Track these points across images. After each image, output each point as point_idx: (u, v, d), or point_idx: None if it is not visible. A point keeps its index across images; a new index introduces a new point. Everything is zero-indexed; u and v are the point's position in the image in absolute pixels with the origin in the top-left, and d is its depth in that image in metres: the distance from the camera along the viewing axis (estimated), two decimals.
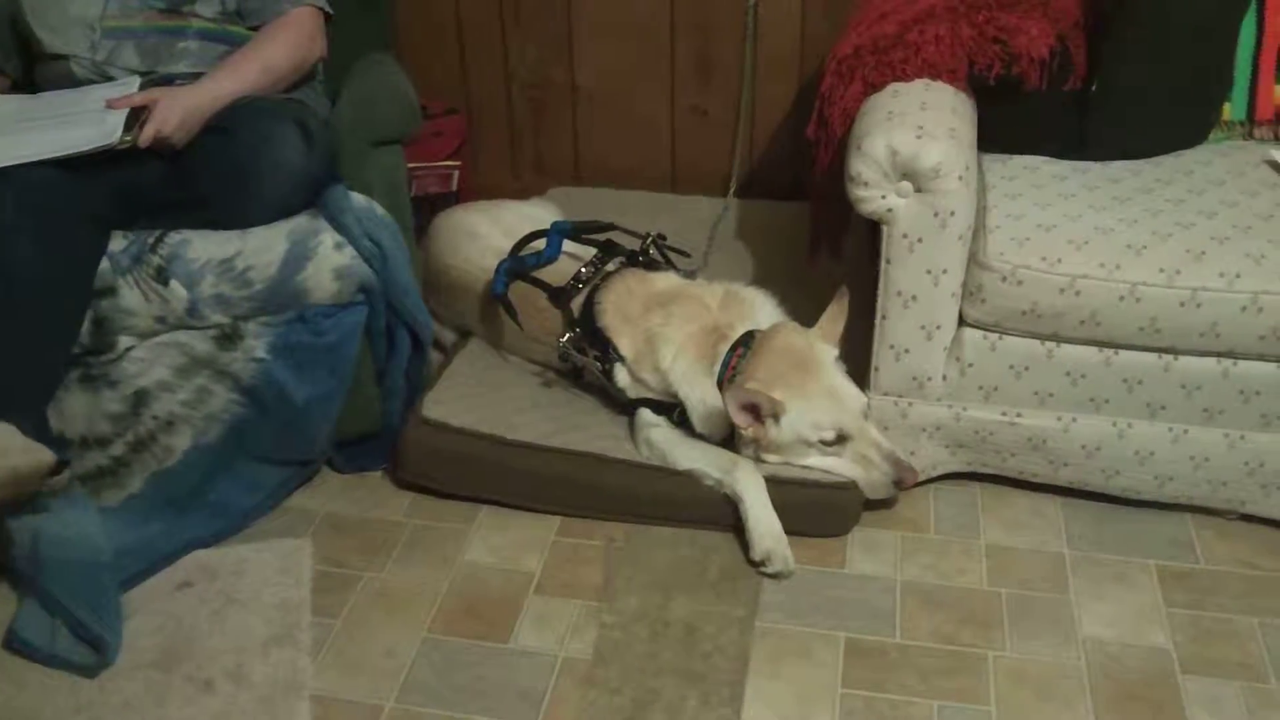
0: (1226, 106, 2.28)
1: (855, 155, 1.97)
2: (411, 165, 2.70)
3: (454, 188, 2.78)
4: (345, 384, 2.15)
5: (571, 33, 2.94)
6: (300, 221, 2.06)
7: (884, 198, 1.97)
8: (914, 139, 1.93)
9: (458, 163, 2.79)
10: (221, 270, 2.01)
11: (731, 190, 3.03)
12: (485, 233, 2.45)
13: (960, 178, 1.94)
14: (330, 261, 2.04)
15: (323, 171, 2.08)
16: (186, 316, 2.02)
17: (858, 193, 1.98)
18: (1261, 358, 1.97)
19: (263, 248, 2.03)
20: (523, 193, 2.86)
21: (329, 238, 2.05)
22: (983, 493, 2.24)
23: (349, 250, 2.05)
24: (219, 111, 2.03)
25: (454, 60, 3.03)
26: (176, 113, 1.97)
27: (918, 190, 1.95)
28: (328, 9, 2.26)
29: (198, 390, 2.05)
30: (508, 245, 2.38)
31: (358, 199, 2.11)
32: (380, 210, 2.13)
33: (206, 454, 2.09)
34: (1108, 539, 2.13)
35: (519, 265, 2.31)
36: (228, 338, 2.04)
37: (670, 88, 2.97)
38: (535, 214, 2.55)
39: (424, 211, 2.67)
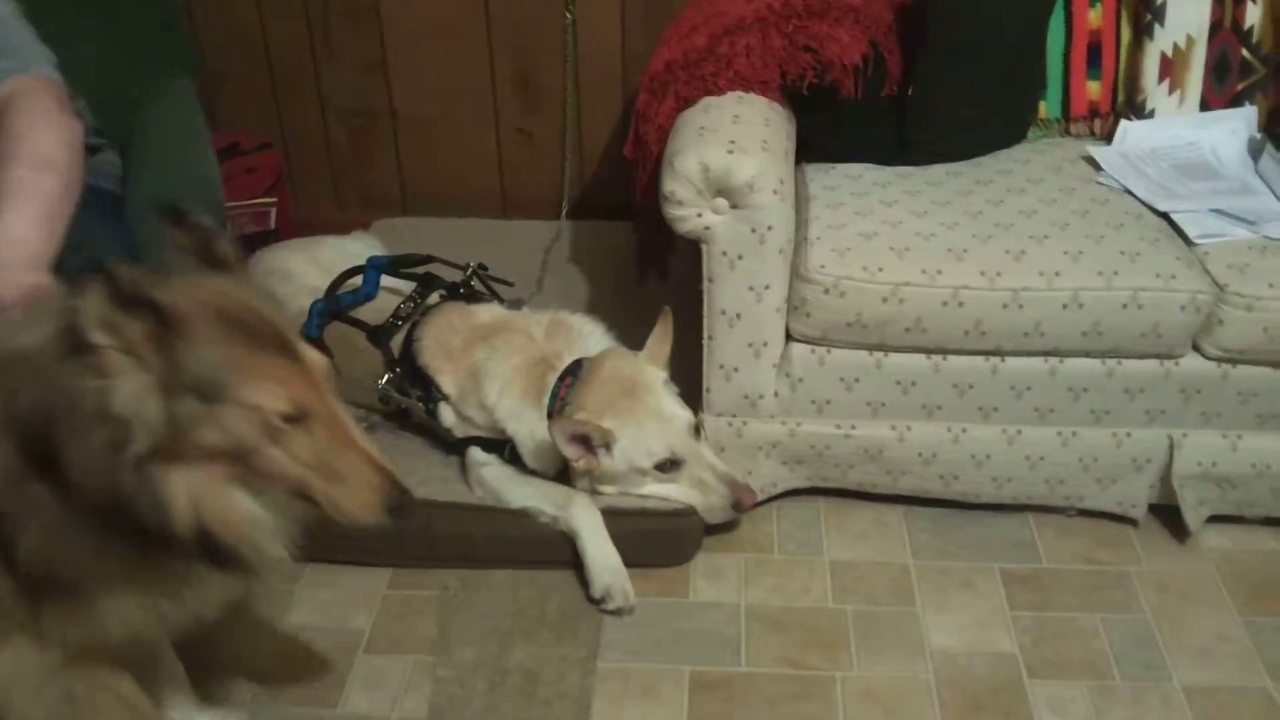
0: (1042, 105, 2.29)
1: (668, 173, 1.91)
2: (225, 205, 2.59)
3: (272, 225, 2.65)
4: None
5: (386, 58, 2.84)
6: None
7: (700, 216, 1.92)
8: (726, 154, 1.88)
9: (273, 199, 2.66)
10: None
11: (563, 213, 2.96)
12: (301, 272, 2.32)
13: (775, 191, 1.89)
14: None
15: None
16: None
17: (673, 212, 1.92)
18: (1086, 354, 1.98)
19: None
20: (348, 226, 2.73)
21: None
22: (826, 507, 2.21)
23: None
24: None
25: (266, 91, 2.90)
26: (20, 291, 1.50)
27: (734, 206, 1.90)
28: (56, 75, 1.79)
29: None
30: (326, 285, 2.26)
31: None
32: None
33: None
34: (951, 545, 2.12)
35: (334, 305, 2.20)
36: None
37: (493, 110, 2.88)
38: (356, 249, 2.42)
39: (242, 253, 2.53)
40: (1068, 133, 2.32)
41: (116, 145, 2.11)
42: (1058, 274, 1.91)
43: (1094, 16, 2.22)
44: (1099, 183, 2.14)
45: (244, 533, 1.31)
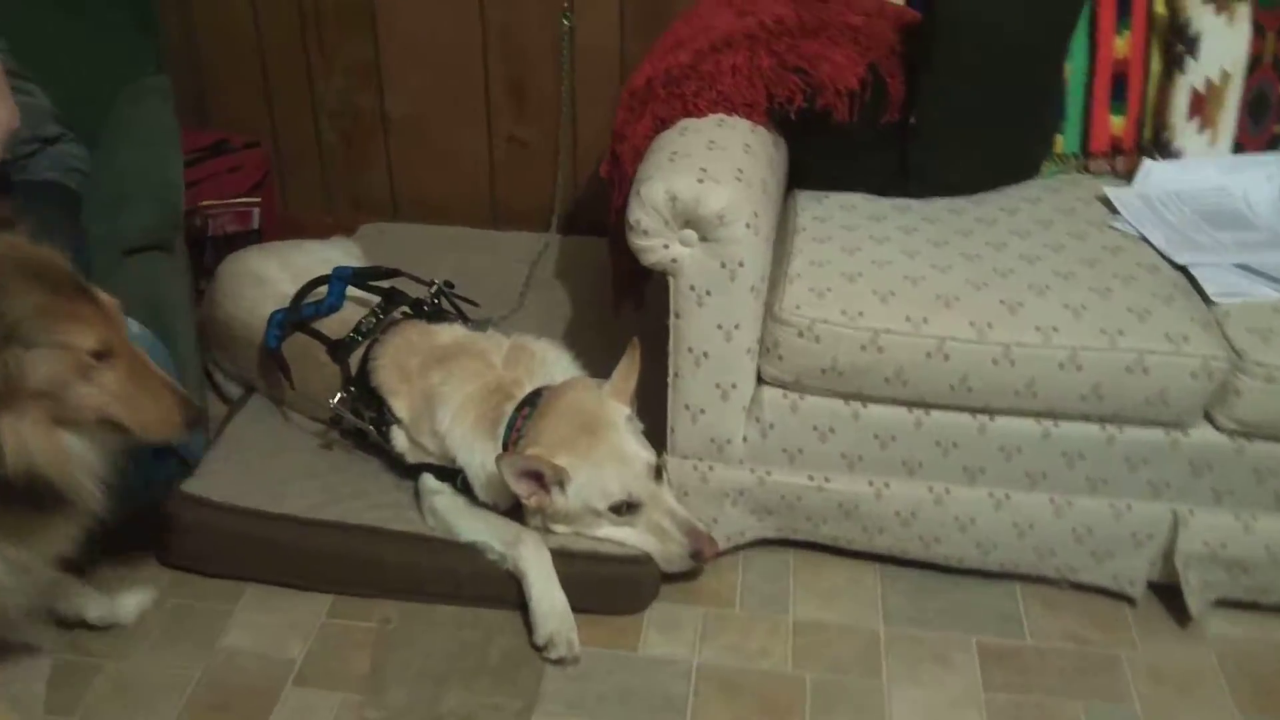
0: (1059, 138, 2.12)
1: (634, 201, 1.78)
2: (207, 203, 2.53)
3: (255, 226, 2.57)
4: None
5: (379, 60, 2.74)
6: None
7: (666, 247, 1.78)
8: (695, 183, 1.74)
9: (257, 199, 2.58)
10: None
11: (553, 225, 2.83)
12: (273, 278, 2.23)
13: (748, 225, 1.75)
14: None
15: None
16: None
17: (638, 242, 1.79)
18: (1084, 418, 1.81)
19: None
20: (337, 229, 2.66)
21: None
22: (796, 560, 2.06)
23: None
24: None
25: (257, 89, 2.82)
26: None
27: (703, 239, 1.77)
28: None
29: None
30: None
31: None
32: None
33: None
34: (928, 613, 1.96)
35: (296, 315, 2.10)
36: None
37: (487, 117, 2.77)
38: (333, 256, 2.33)
39: (223, 253, 2.46)
40: (1086, 169, 2.15)
41: (83, 139, 2.04)
42: (1055, 330, 1.75)
43: (1121, 45, 2.04)
44: (1113, 227, 1.96)
45: (68, 470, 1.44)
